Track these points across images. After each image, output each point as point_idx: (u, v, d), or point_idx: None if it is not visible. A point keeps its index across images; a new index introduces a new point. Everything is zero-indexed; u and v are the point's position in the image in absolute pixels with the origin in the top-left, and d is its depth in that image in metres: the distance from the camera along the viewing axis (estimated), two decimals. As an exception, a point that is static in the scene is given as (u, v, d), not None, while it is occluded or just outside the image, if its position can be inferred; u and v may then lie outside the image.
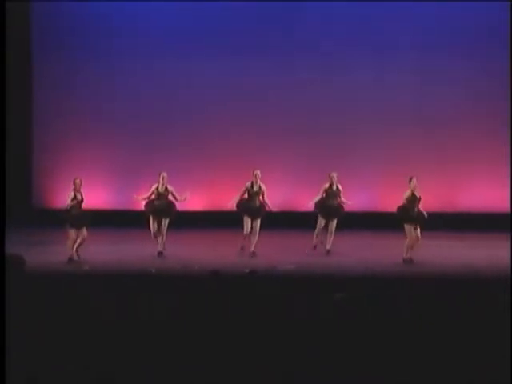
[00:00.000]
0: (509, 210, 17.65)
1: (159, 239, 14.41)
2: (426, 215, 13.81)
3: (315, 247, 14.76)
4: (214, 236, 15.50)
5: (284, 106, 18.58)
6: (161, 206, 14.36)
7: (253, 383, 6.13)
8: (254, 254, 14.47)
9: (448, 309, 6.89)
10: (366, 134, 18.39)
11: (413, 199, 13.79)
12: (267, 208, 14.66)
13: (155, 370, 6.25)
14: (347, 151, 18.43)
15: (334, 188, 14.53)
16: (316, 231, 14.72)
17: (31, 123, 18.99)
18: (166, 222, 14.37)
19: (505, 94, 17.98)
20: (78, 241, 13.85)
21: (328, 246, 14.64)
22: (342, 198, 14.64)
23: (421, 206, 13.87)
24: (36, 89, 18.93)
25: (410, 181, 13.81)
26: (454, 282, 10.27)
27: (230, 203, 14.66)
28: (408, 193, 13.82)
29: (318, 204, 14.59)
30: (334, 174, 14.54)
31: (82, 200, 13.96)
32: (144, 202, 14.55)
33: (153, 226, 14.39)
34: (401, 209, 13.88)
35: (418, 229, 13.79)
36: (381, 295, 7.30)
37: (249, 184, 14.54)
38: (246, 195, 14.57)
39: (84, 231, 13.89)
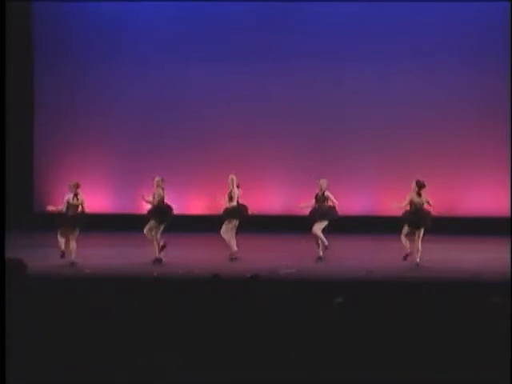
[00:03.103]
0: (509, 215, 17.68)
1: (154, 244, 14.33)
2: (429, 221, 13.87)
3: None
4: (215, 240, 15.45)
5: (289, 111, 18.63)
6: (156, 211, 14.29)
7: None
8: (235, 258, 14.43)
9: (447, 312, 6.91)
10: (365, 138, 18.42)
11: (413, 202, 13.86)
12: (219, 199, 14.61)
13: (156, 372, 6.26)
14: (351, 156, 18.46)
15: (320, 194, 14.38)
16: (317, 239, 14.46)
17: (32, 128, 19.02)
18: (160, 227, 14.26)
19: (505, 96, 17.99)
20: (71, 244, 13.84)
21: (321, 253, 14.43)
22: (334, 201, 14.35)
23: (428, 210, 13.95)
24: (37, 93, 18.98)
25: (415, 183, 13.92)
26: (454, 286, 10.29)
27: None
28: (411, 196, 13.90)
29: (311, 211, 14.49)
30: (324, 180, 14.39)
31: (78, 202, 13.92)
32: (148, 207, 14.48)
33: (148, 231, 14.28)
34: (404, 213, 13.95)
35: (419, 233, 13.84)
36: (381, 298, 7.31)
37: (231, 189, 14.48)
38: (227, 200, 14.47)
39: (74, 234, 13.86)
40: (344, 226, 14.74)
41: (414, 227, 13.85)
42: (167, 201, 14.44)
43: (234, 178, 14.45)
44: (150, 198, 14.37)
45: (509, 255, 13.41)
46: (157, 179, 14.36)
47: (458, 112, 18.26)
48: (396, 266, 13.72)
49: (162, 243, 14.28)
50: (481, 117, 18.21)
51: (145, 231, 14.32)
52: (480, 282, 11.56)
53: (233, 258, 14.42)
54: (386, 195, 17.78)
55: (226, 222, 14.46)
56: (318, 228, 14.28)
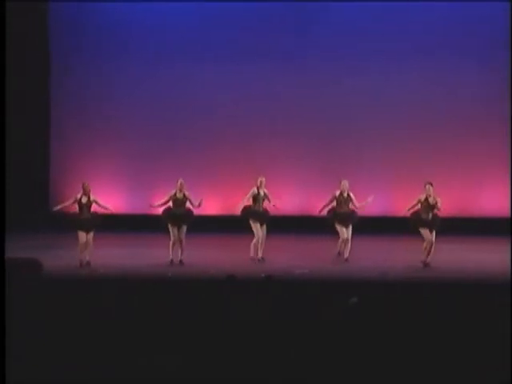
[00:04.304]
0: (509, 215, 17.64)
1: (176, 247, 14.27)
2: (439, 221, 13.87)
3: (340, 254, 14.51)
4: (230, 240, 15.51)
5: (298, 111, 18.61)
6: (179, 213, 14.21)
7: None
8: (263, 259, 14.42)
9: (450, 311, 6.94)
10: (379, 139, 18.40)
11: (425, 204, 13.85)
12: (273, 204, 14.56)
13: (169, 373, 6.30)
14: (361, 156, 18.44)
15: (345, 195, 14.39)
16: (340, 241, 14.43)
17: (48, 129, 19.07)
18: (183, 229, 14.22)
19: (505, 97, 17.95)
20: (87, 245, 13.85)
21: (346, 254, 14.43)
22: (356, 204, 14.44)
23: (439, 211, 13.92)
24: (53, 93, 19.01)
25: (424, 186, 13.88)
26: (455, 286, 10.31)
27: (237, 208, 14.65)
28: (421, 197, 13.90)
29: (331, 212, 14.46)
30: (345, 182, 14.39)
31: (90, 203, 13.96)
32: (161, 209, 14.39)
33: (173, 233, 14.21)
34: (413, 214, 13.95)
35: (433, 233, 13.86)
36: (395, 299, 7.34)
37: (255, 190, 14.44)
38: (251, 201, 14.46)
39: (91, 235, 13.88)
40: (359, 226, 14.71)
41: (429, 228, 13.88)
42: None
43: (263, 180, 14.44)
44: (158, 203, 14.45)
45: (509, 256, 13.42)
46: (179, 181, 14.30)
47: (460, 113, 18.22)
48: (410, 266, 13.72)
49: (171, 258, 14.26)
50: (482, 119, 18.15)
51: (171, 236, 14.29)
52: (484, 282, 11.56)
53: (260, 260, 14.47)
54: (396, 195, 17.77)
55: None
56: (348, 233, 14.35)
